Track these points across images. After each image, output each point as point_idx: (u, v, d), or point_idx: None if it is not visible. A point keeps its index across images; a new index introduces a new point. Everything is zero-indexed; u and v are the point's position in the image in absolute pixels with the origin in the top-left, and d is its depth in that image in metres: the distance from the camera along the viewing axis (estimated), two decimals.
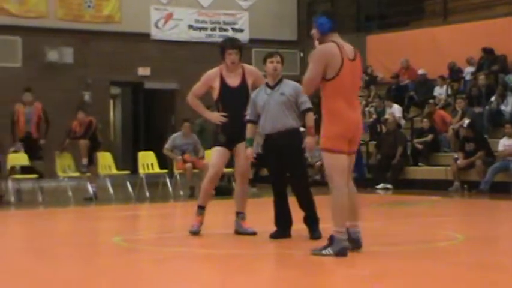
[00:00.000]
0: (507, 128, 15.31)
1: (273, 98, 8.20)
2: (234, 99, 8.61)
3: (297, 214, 8.27)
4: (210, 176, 8.65)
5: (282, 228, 8.24)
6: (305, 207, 8.17)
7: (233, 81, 8.65)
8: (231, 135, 8.61)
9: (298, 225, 8.23)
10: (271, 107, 8.17)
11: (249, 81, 8.72)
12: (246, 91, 8.68)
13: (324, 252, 6.96)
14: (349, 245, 7.02)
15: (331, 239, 6.96)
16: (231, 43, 8.82)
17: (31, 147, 14.76)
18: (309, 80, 6.98)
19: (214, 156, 8.71)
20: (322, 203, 8.14)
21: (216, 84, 8.63)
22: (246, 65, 8.80)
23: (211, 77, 8.69)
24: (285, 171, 8.23)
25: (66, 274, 6.69)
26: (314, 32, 7.13)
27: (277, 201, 8.29)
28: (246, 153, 8.34)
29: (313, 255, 7.00)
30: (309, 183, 8.45)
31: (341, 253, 6.87)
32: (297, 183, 8.22)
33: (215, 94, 8.67)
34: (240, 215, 8.74)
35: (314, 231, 8.09)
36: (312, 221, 8.15)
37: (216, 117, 8.67)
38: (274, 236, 8.23)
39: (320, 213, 8.17)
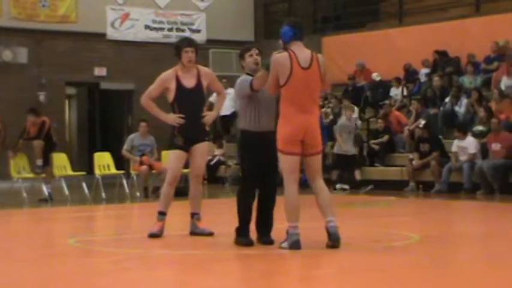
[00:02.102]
0: (456, 132, 15.48)
1: (262, 95, 7.76)
2: (190, 101, 8.56)
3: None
4: (169, 180, 8.62)
5: (266, 231, 7.88)
6: (270, 206, 7.88)
7: (189, 82, 8.59)
8: (188, 137, 8.57)
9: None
10: (262, 104, 7.80)
11: (204, 83, 8.66)
12: (202, 92, 8.66)
13: (282, 245, 7.46)
14: (328, 242, 7.36)
15: (287, 233, 7.44)
16: (188, 41, 8.80)
17: None
18: (267, 86, 7.55)
19: (171, 160, 8.65)
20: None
21: (172, 86, 8.55)
22: (200, 67, 8.75)
23: (166, 78, 8.60)
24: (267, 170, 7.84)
25: (21, 277, 6.61)
26: (280, 41, 7.55)
27: (263, 198, 7.85)
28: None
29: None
30: None
31: (294, 246, 7.32)
32: (273, 182, 7.89)
33: (171, 96, 8.59)
34: (195, 215, 8.72)
35: (267, 239, 7.82)
36: (268, 223, 7.90)
37: (173, 119, 8.57)
38: (268, 241, 7.81)
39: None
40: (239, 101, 7.99)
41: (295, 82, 7.32)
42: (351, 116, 17.01)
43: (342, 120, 17.16)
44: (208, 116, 8.69)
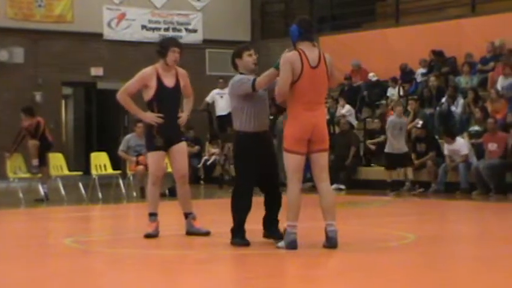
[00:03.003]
0: (446, 138, 15.39)
1: (257, 94, 7.68)
2: (169, 100, 8.51)
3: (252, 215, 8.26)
4: (152, 181, 8.60)
5: (275, 227, 7.84)
6: (276, 206, 7.86)
7: (169, 81, 8.55)
8: (167, 137, 8.52)
9: (253, 225, 8.15)
10: (257, 104, 7.71)
11: (182, 84, 8.64)
12: (180, 92, 8.63)
13: (278, 245, 7.48)
14: (326, 243, 7.38)
15: (284, 232, 7.46)
16: (175, 41, 8.78)
17: None
18: (280, 86, 7.37)
19: (152, 161, 8.59)
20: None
21: (153, 83, 8.49)
22: (177, 67, 8.69)
23: (147, 75, 8.53)
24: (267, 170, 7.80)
25: (17, 276, 6.60)
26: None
27: (269, 199, 7.81)
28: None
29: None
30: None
31: (291, 245, 7.35)
32: (275, 182, 7.89)
33: (149, 93, 8.50)
34: (189, 215, 8.70)
35: (274, 232, 7.87)
36: (271, 220, 7.89)
37: (151, 117, 8.48)
38: (278, 235, 7.77)
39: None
40: (234, 101, 7.80)
41: (305, 80, 7.34)
42: (401, 113, 16.27)
43: (392, 117, 16.36)
44: (183, 118, 8.62)
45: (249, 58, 7.81)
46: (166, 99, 8.49)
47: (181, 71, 8.70)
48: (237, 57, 7.85)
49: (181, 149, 8.64)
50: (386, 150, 16.14)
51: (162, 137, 8.49)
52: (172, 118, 8.51)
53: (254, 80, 7.59)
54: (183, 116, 8.66)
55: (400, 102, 17.18)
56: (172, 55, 8.51)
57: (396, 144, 15.97)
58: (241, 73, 7.81)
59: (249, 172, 7.73)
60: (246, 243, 7.74)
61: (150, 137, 8.58)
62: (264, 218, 7.93)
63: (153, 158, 8.58)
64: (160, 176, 8.67)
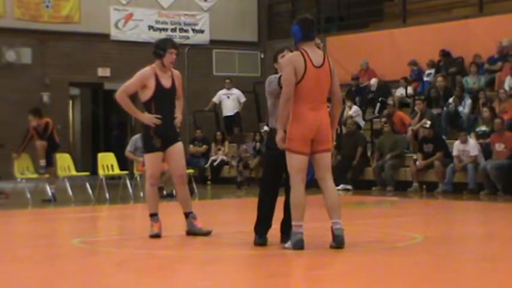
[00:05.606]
0: (462, 135, 15.38)
1: None
2: (167, 101, 8.53)
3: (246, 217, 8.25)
4: (151, 182, 8.62)
5: (288, 232, 7.74)
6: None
7: (166, 82, 8.57)
8: (164, 138, 8.51)
9: (251, 227, 8.09)
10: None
11: (177, 84, 8.66)
12: (175, 93, 8.64)
13: (285, 246, 7.49)
14: (333, 243, 7.37)
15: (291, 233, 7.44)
16: (173, 43, 8.77)
17: None
18: (285, 83, 7.38)
19: (151, 162, 8.58)
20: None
21: (151, 84, 8.50)
22: (172, 69, 8.69)
23: (146, 75, 8.53)
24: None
25: (25, 276, 6.61)
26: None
27: (287, 200, 7.76)
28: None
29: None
30: None
31: (297, 245, 7.33)
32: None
33: (147, 94, 8.51)
34: (190, 215, 8.67)
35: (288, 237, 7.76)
36: (289, 226, 7.74)
37: (150, 118, 8.48)
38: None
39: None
40: (268, 100, 7.95)
41: (309, 80, 7.37)
42: None
43: None
44: (179, 118, 8.64)
45: (282, 60, 7.85)
46: (163, 100, 8.52)
47: (177, 73, 8.73)
48: (274, 61, 7.98)
49: (178, 149, 8.63)
50: None
51: (160, 138, 8.49)
52: (169, 119, 8.54)
53: (279, 78, 7.70)
54: (179, 116, 8.68)
55: None
56: (170, 56, 8.54)
57: None
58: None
59: (277, 168, 7.72)
60: (261, 243, 7.74)
61: (148, 138, 8.57)
62: (281, 222, 7.91)
63: (151, 160, 8.58)
64: (158, 177, 8.73)
